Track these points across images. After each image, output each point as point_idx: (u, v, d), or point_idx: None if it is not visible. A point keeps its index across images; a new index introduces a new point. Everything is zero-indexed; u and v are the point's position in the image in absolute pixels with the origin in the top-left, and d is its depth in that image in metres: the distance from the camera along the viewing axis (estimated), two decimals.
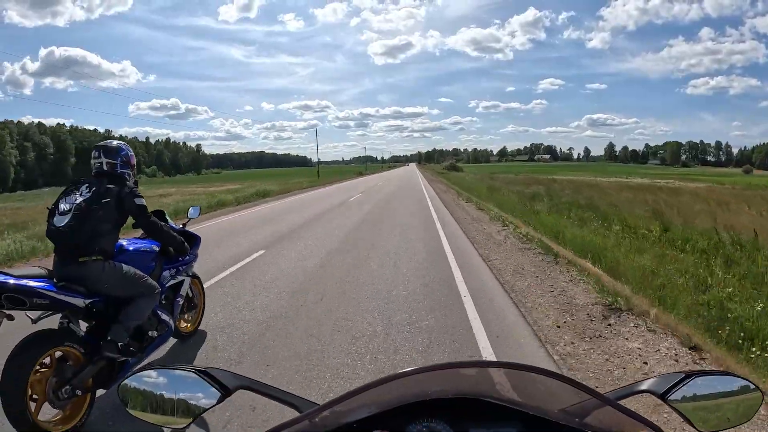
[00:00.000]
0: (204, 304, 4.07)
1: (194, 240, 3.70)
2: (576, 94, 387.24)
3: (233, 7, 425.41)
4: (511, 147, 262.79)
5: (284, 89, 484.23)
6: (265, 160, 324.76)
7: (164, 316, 3.11)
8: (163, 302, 3.18)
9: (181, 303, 3.44)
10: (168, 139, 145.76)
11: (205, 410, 0.77)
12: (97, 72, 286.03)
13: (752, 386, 0.79)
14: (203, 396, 0.76)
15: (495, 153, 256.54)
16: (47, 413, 2.42)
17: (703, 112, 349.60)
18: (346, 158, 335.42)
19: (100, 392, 2.71)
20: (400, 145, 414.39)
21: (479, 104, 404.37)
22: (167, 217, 3.50)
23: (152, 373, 0.80)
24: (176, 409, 0.77)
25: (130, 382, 0.79)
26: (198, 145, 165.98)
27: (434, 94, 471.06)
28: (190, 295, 3.76)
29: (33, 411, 2.28)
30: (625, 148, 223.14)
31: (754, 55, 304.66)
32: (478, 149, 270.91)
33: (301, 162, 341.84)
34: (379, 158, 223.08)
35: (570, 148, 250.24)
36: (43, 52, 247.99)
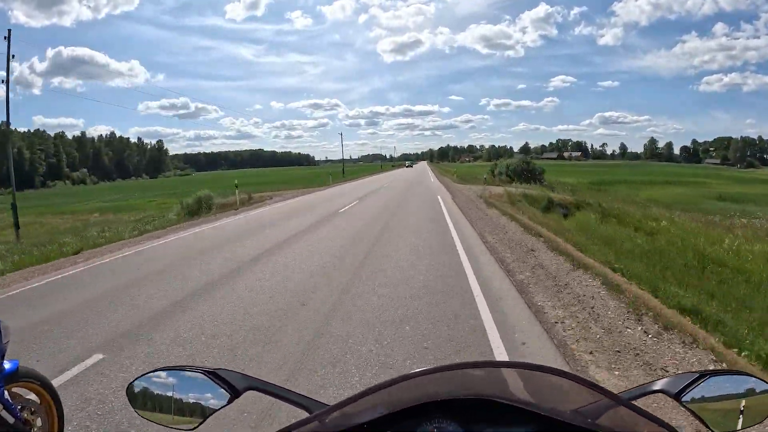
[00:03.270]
0: (58, 414, 2.38)
1: None
2: (588, 92, 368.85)
3: (240, 6, 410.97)
4: (519, 146, 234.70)
5: (294, 88, 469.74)
6: (264, 159, 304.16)
7: None
8: None
9: None
10: (113, 133, 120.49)
11: (215, 411, 0.76)
12: (106, 71, 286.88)
13: (767, 386, 0.77)
14: (212, 397, 0.75)
15: (518, 150, 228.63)
16: None
17: (715, 109, 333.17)
18: (354, 156, 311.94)
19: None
20: (411, 144, 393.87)
21: (490, 102, 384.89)
22: None
23: (161, 374, 0.78)
24: (185, 411, 0.75)
25: (139, 383, 0.78)
26: (159, 142, 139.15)
27: (445, 92, 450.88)
28: (10, 421, 2.09)
29: None
30: (669, 144, 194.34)
31: None
32: (496, 146, 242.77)
33: (303, 160, 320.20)
34: (388, 156, 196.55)
35: (603, 145, 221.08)
36: (50, 52, 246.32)
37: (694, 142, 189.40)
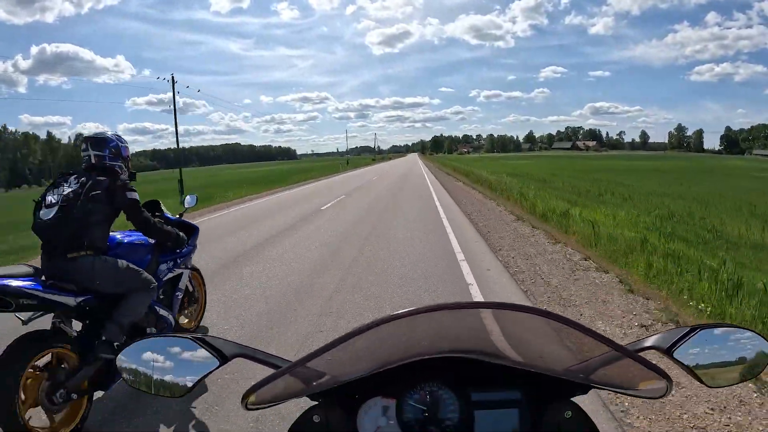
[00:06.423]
0: (205, 297, 3.85)
1: (192, 231, 3.45)
2: (578, 83, 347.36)
3: None
4: (516, 135, 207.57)
5: (283, 82, 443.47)
6: (242, 154, 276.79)
7: (162, 312, 2.93)
8: (161, 297, 3.04)
9: (180, 297, 3.26)
10: (5, 127, 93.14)
11: (203, 377, 0.76)
12: (91, 67, 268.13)
13: (761, 339, 0.74)
14: (201, 363, 0.75)
15: (523, 139, 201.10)
16: (42, 418, 2.26)
17: (706, 99, 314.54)
18: (342, 149, 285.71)
19: (97, 394, 2.57)
20: (402, 136, 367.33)
21: (480, 93, 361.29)
22: (162, 207, 3.36)
23: (149, 341, 0.78)
24: (174, 377, 0.76)
25: (127, 351, 0.78)
26: (79, 137, 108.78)
27: (435, 83, 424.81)
28: (190, 289, 3.57)
29: (26, 416, 2.13)
30: (699, 132, 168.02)
31: (762, 41, 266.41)
32: (495, 136, 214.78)
33: (284, 154, 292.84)
34: (375, 149, 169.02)
35: (620, 133, 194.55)
36: (34, 49, 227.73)
37: (728, 129, 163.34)
